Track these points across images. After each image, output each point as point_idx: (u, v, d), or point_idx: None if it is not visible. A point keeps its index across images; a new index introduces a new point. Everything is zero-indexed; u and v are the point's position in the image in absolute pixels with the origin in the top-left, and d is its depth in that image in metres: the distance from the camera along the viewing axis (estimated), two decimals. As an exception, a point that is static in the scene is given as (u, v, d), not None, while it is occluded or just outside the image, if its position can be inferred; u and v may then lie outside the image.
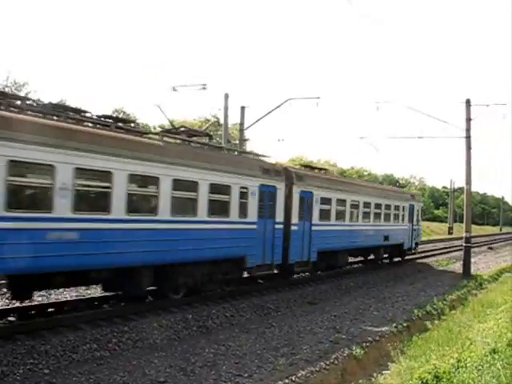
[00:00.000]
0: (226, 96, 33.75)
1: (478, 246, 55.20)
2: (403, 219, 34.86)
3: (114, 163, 13.72)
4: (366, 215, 29.36)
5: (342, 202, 26.23)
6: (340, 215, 26.15)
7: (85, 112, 15.03)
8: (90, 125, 14.77)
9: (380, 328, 16.54)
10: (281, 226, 21.00)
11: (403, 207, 34.80)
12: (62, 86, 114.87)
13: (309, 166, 28.39)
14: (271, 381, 11.10)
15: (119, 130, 15.25)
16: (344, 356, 13.23)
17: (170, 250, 15.65)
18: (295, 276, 24.40)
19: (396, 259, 35.69)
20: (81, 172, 12.94)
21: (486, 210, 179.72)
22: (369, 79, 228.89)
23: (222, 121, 38.88)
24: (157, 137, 17.60)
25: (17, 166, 11.70)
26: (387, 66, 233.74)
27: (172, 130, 19.19)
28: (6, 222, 11.38)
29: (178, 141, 17.79)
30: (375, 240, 30.72)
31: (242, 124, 35.26)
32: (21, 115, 12.41)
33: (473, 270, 32.47)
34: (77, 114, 14.36)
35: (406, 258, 36.66)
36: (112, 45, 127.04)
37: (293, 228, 21.85)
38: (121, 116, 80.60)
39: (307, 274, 25.11)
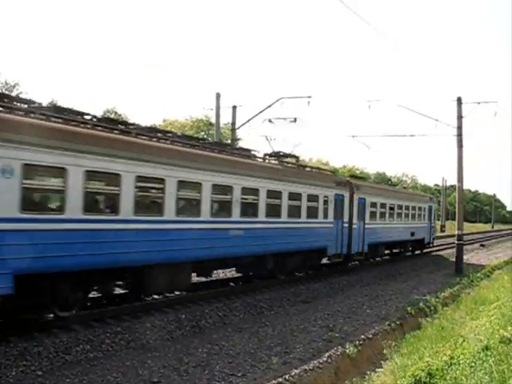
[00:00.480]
0: (218, 95, 33.73)
1: (470, 244, 55.37)
2: (424, 218, 41.84)
3: (261, 183, 20.39)
4: (399, 215, 36.50)
5: (383, 205, 33.30)
6: (382, 215, 33.20)
7: (198, 139, 21.18)
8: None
9: (373, 326, 16.57)
10: (346, 225, 27.89)
11: (424, 208, 41.95)
12: (58, 87, 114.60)
13: (354, 176, 36.92)
14: (265, 380, 11.09)
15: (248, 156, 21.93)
16: (337, 354, 13.22)
17: (284, 243, 22.03)
18: (276, 278, 24.47)
19: (414, 252, 42.19)
20: (245, 190, 19.26)
21: (478, 208, 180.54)
22: (360, 78, 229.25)
23: (213, 120, 38.90)
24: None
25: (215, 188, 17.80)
26: (379, 65, 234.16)
27: (272, 154, 24.83)
28: (210, 224, 17.60)
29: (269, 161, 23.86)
30: (405, 235, 37.65)
31: (233, 123, 35.24)
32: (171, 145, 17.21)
33: (465, 267, 32.54)
34: (194, 141, 19.51)
35: (414, 252, 42.15)
36: (105, 45, 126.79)
37: (354, 226, 28.62)
38: (112, 117, 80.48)
39: (357, 263, 31.38)
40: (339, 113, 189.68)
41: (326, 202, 25.55)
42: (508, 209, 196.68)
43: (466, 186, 79.79)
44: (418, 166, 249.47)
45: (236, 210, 18.83)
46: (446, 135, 33.49)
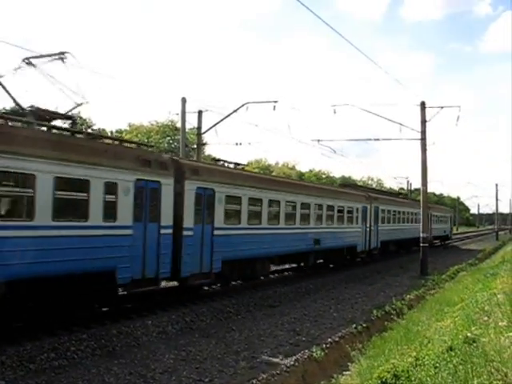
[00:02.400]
0: (184, 100, 33.61)
1: (434, 246, 56.08)
2: (447, 223, 69.15)
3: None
4: (441, 222, 63.68)
5: (436, 215, 59.42)
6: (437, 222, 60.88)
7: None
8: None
9: (340, 329, 16.65)
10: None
11: (448, 216, 70.10)
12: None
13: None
14: (232, 385, 11.09)
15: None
16: (304, 358, 13.27)
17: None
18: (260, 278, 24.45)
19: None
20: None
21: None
22: (326, 83, 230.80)
23: (179, 125, 38.72)
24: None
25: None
26: (343, 70, 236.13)
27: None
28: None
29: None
30: (443, 232, 65.16)
31: (199, 128, 35.13)
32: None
33: (430, 270, 32.90)
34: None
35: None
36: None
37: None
38: (77, 121, 79.28)
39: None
40: (306, 117, 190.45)
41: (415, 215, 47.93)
42: (471, 212, 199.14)
43: (431, 189, 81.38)
44: (384, 169, 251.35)
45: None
46: (410, 139, 33.78)
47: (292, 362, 12.75)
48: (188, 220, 18.36)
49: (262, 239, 22.84)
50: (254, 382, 11.16)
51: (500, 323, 11.60)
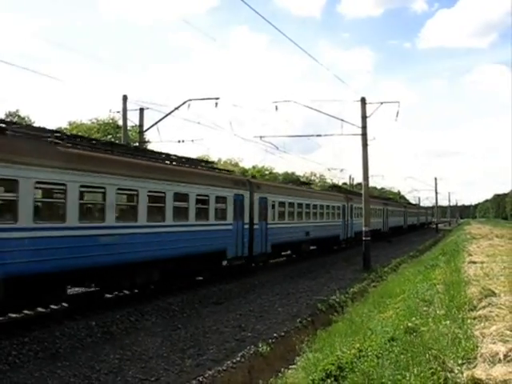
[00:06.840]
0: (125, 98, 33.26)
1: (377, 240, 57.08)
2: (432, 215, 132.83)
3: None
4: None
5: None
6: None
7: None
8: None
9: (285, 324, 16.79)
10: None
11: (428, 211, 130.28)
12: None
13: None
14: (179, 383, 11.06)
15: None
16: (250, 354, 13.34)
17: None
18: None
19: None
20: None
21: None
22: (268, 81, 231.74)
23: (120, 123, 38.30)
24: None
25: None
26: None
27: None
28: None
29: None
30: (428, 220, 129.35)
31: (141, 126, 34.77)
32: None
33: (373, 263, 33.45)
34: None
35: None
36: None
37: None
38: (15, 120, 77.42)
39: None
40: (248, 114, 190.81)
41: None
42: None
43: (372, 184, 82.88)
44: (327, 164, 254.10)
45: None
46: (352, 135, 34.05)
47: (238, 358, 12.81)
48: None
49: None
50: (201, 379, 11.18)
51: (438, 312, 11.95)
